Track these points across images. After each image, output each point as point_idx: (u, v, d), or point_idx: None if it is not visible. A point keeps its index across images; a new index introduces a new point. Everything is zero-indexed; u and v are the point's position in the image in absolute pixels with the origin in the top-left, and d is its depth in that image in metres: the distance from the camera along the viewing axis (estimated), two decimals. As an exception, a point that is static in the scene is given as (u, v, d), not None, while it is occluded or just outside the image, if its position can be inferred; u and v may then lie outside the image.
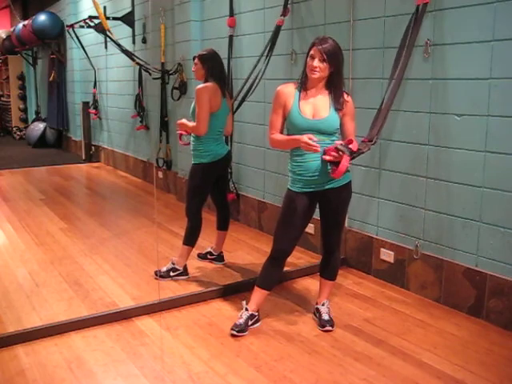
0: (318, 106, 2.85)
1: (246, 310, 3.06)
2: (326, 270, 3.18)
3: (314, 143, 2.68)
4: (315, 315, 3.17)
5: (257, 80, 4.21)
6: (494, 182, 3.01)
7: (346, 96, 2.92)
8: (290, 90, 2.90)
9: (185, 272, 3.79)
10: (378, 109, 3.19)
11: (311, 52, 2.80)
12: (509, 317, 2.99)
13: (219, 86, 3.58)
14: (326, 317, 3.08)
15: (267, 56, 4.24)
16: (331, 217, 3.02)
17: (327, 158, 2.74)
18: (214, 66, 3.60)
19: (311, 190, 2.89)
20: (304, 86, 2.89)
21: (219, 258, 4.09)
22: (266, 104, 4.64)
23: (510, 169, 2.92)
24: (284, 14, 4.17)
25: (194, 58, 3.70)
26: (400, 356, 2.75)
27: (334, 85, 2.86)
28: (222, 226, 4.00)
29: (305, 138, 2.70)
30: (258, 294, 3.05)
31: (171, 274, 3.76)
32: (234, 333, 2.95)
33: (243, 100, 4.37)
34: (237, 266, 4.04)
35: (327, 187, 2.89)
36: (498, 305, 3.04)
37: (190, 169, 3.72)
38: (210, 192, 3.83)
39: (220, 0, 5.22)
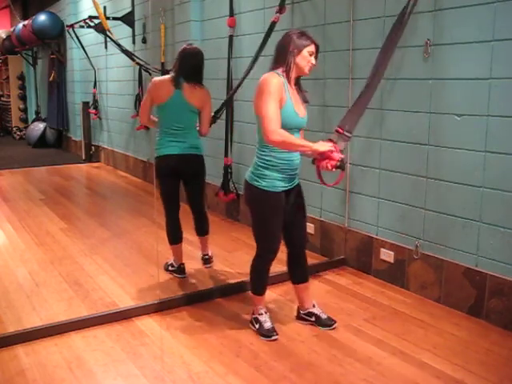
0: (299, 103, 2.82)
1: (266, 312, 3.05)
2: (299, 273, 3.10)
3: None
4: (306, 320, 3.13)
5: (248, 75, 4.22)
6: (494, 181, 3.01)
7: None
8: (282, 81, 2.71)
9: (178, 271, 3.82)
10: (357, 103, 3.12)
11: (311, 49, 2.74)
12: (509, 317, 2.99)
13: (174, 78, 3.57)
14: (324, 315, 3.09)
15: (258, 55, 4.24)
16: (301, 209, 3.02)
17: (330, 168, 2.74)
18: (180, 61, 3.61)
19: (290, 186, 2.90)
20: (288, 80, 2.76)
21: (204, 260, 4.03)
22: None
23: (510, 169, 2.92)
24: (280, 11, 4.16)
25: None
26: (400, 356, 2.75)
27: (299, 81, 2.87)
28: (198, 231, 3.93)
29: (327, 147, 2.71)
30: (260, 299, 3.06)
31: (169, 268, 3.88)
32: (277, 337, 2.93)
33: (230, 98, 4.38)
34: (237, 265, 4.04)
35: (297, 182, 2.97)
36: (498, 305, 3.04)
37: None
38: (172, 191, 3.70)
39: (220, 0, 5.22)
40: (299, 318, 3.16)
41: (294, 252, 3.07)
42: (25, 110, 12.86)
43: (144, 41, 6.95)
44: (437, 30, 3.21)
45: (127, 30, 7.29)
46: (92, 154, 9.19)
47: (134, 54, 6.63)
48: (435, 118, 3.28)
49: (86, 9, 8.54)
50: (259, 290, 3.03)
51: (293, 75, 2.77)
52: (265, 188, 2.80)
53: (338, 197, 4.08)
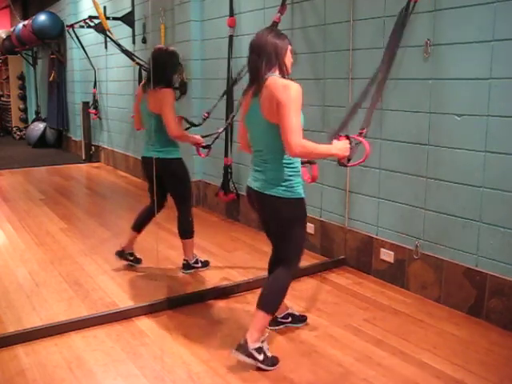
0: None
1: (263, 341, 2.69)
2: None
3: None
4: (282, 323, 3.04)
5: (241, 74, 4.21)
6: (494, 181, 3.01)
7: None
8: None
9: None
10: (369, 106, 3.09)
11: (291, 47, 2.65)
12: (509, 317, 2.99)
13: (145, 82, 3.64)
14: (297, 312, 3.12)
15: None
16: None
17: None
18: (149, 65, 3.65)
19: None
20: None
21: (183, 265, 3.96)
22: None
23: (510, 169, 2.92)
24: (281, 11, 4.17)
25: None
26: (400, 356, 2.75)
27: None
28: (179, 233, 3.92)
29: (346, 145, 2.62)
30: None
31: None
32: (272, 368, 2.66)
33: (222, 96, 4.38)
34: (236, 266, 4.04)
35: None
36: (498, 305, 3.04)
37: None
38: (148, 188, 3.88)
39: (220, 0, 5.22)
40: (276, 323, 3.01)
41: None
42: (25, 110, 12.86)
43: (144, 41, 6.95)
44: (437, 30, 3.21)
45: (127, 29, 7.29)
46: (92, 153, 9.19)
47: (133, 54, 6.63)
48: (435, 117, 3.28)
49: (86, 9, 8.54)
50: (277, 309, 2.81)
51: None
52: (301, 196, 2.64)
53: (338, 197, 4.08)
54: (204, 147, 3.91)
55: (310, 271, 3.89)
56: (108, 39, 7.31)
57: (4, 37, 12.29)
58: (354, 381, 2.54)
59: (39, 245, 4.61)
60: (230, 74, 4.97)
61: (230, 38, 5.04)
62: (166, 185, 3.72)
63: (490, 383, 2.52)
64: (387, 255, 3.69)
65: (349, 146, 2.62)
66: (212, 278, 3.81)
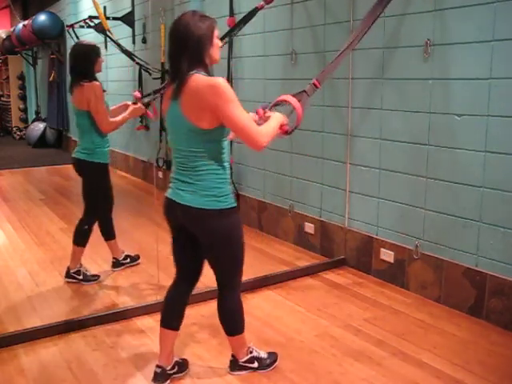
0: None
1: (251, 352, 2.62)
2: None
3: None
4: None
5: None
6: (494, 182, 3.01)
7: None
8: None
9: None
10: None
11: (217, 31, 2.31)
12: (509, 317, 2.99)
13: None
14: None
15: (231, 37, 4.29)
16: None
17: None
18: None
19: None
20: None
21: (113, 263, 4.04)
22: (267, 104, 4.63)
23: (510, 169, 2.92)
24: (267, 0, 4.16)
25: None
26: (400, 356, 2.75)
27: None
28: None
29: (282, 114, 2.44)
30: None
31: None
32: (273, 365, 2.62)
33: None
34: (237, 265, 4.04)
35: None
36: (498, 305, 3.04)
37: None
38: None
39: (220, 0, 5.22)
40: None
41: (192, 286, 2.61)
42: (25, 110, 12.85)
43: (144, 41, 6.94)
44: (437, 30, 3.21)
45: (127, 29, 7.29)
46: (92, 154, 9.17)
47: (133, 54, 6.62)
48: (435, 117, 3.28)
49: (86, 9, 8.53)
50: (244, 325, 2.57)
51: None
52: (233, 205, 2.36)
53: (338, 197, 4.08)
54: (145, 106, 3.81)
55: (310, 271, 3.89)
56: (108, 39, 7.30)
57: (4, 37, 12.29)
58: (354, 381, 2.54)
59: (39, 245, 4.61)
60: (230, 74, 4.97)
61: (230, 38, 5.04)
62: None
63: (490, 383, 2.52)
64: (387, 255, 3.69)
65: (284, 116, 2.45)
66: (212, 278, 3.80)
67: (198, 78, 2.19)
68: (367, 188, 3.83)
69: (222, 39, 4.37)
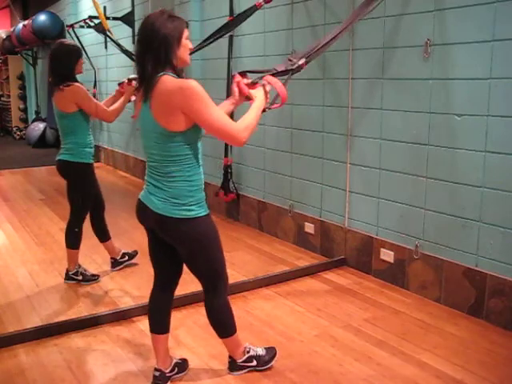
0: None
1: (248, 351, 2.62)
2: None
3: None
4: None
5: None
6: (494, 182, 3.01)
7: None
8: None
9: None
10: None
11: (187, 32, 2.22)
12: (509, 317, 2.99)
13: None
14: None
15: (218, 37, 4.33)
16: None
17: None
18: None
19: None
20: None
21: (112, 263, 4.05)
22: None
23: (510, 169, 2.92)
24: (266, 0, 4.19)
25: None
26: (400, 356, 2.75)
27: None
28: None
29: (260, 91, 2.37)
30: None
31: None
32: (272, 362, 2.64)
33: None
34: (237, 266, 4.03)
35: None
36: (497, 305, 3.04)
37: None
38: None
39: (220, 0, 5.22)
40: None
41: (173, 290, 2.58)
42: (25, 110, 12.86)
43: (144, 41, 6.94)
44: (437, 30, 3.21)
45: (127, 29, 7.29)
46: (92, 154, 9.18)
47: (133, 54, 6.61)
48: (435, 117, 3.28)
49: (86, 9, 8.54)
50: (235, 327, 2.56)
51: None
52: (207, 212, 2.32)
53: (338, 197, 4.08)
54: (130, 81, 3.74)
55: (310, 271, 3.89)
56: (108, 39, 7.31)
57: (4, 37, 12.29)
58: (354, 381, 2.54)
59: (39, 245, 4.61)
60: (230, 74, 4.97)
61: (230, 38, 5.04)
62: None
63: (490, 383, 2.52)
64: (387, 255, 3.69)
65: (263, 90, 2.38)
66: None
67: (166, 80, 2.13)
68: (367, 188, 3.83)
69: (218, 32, 4.40)
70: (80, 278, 3.74)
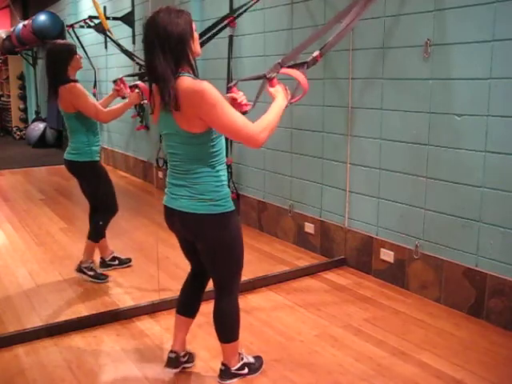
0: None
1: (242, 358, 2.61)
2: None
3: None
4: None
5: None
6: (494, 182, 3.01)
7: None
8: None
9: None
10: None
11: (194, 24, 2.17)
12: (509, 317, 2.99)
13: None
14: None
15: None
16: None
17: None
18: None
19: None
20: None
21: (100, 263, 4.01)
22: (267, 104, 4.63)
23: (510, 169, 2.92)
24: None
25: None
26: (400, 356, 2.75)
27: None
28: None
29: (279, 89, 2.36)
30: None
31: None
32: (260, 370, 2.61)
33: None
34: (237, 265, 4.03)
35: None
36: (497, 305, 3.04)
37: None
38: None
39: (220, 0, 5.22)
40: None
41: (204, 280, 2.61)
42: (25, 110, 12.85)
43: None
44: (437, 30, 3.21)
45: (127, 29, 7.29)
46: (92, 154, 9.17)
47: (134, 54, 6.62)
48: (435, 117, 3.28)
49: (86, 9, 8.53)
50: (238, 333, 2.54)
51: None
52: (232, 208, 2.29)
53: (337, 197, 4.08)
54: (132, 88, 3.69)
55: (310, 271, 3.89)
56: (108, 39, 7.30)
57: (4, 37, 12.28)
58: (354, 381, 2.54)
59: (39, 245, 4.61)
60: (230, 74, 4.97)
61: (230, 38, 5.04)
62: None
63: (490, 383, 2.52)
64: (387, 255, 3.69)
65: (282, 87, 2.35)
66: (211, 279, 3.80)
67: (183, 83, 2.08)
68: (367, 188, 3.83)
69: (226, 17, 4.38)
70: (92, 273, 3.76)
